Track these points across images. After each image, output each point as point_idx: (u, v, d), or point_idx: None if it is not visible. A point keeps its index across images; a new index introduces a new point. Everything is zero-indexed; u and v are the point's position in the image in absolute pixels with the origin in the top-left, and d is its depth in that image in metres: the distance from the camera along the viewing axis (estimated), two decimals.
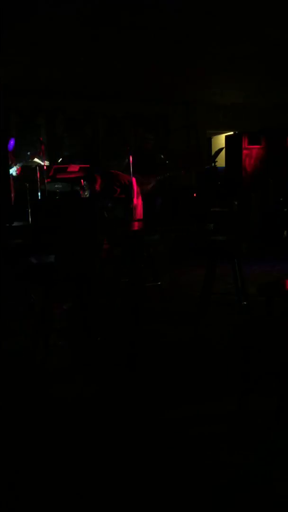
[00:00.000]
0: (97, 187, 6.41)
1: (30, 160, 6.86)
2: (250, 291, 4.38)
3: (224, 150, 9.26)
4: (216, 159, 9.10)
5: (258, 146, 8.86)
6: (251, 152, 8.83)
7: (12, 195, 6.29)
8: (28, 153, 6.81)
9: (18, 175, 6.60)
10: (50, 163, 8.11)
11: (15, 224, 5.31)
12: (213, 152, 10.03)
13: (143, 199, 6.26)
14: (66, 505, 2.03)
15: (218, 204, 8.35)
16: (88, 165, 6.86)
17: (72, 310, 4.42)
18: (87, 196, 7.17)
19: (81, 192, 7.19)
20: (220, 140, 10.73)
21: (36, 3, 4.65)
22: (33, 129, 9.07)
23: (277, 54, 6.69)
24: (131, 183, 5.83)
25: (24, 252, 4.39)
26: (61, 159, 8.33)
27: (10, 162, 6.44)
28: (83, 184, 7.20)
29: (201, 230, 7.76)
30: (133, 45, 6.12)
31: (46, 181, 7.07)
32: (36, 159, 7.33)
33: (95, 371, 3.37)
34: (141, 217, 6.33)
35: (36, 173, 7.26)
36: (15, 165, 6.67)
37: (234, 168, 9.02)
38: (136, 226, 4.97)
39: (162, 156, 9.79)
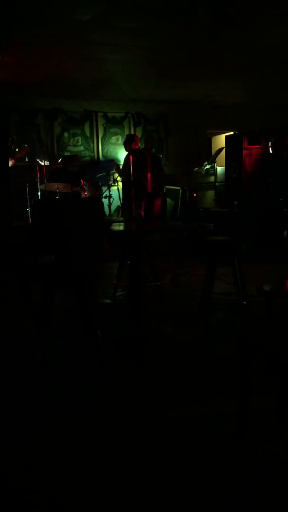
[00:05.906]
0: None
1: (17, 156, 6.77)
2: (250, 291, 4.39)
3: (224, 150, 9.26)
4: (216, 159, 9.10)
5: (258, 146, 8.86)
6: (251, 152, 8.84)
7: None
8: (17, 149, 6.75)
9: (12, 166, 6.55)
10: (50, 163, 8.12)
11: (15, 224, 5.30)
12: (213, 152, 10.03)
13: (146, 198, 6.29)
14: (66, 505, 2.03)
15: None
16: None
17: (72, 310, 4.41)
18: (87, 196, 7.17)
19: (80, 192, 7.20)
20: (220, 140, 10.72)
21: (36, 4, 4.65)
22: (32, 129, 9.08)
23: (277, 54, 6.69)
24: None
25: (24, 252, 4.38)
26: (61, 159, 8.34)
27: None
28: (83, 184, 7.20)
29: (201, 230, 7.76)
30: (133, 45, 6.12)
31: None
32: (27, 159, 7.28)
33: (95, 371, 3.37)
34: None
35: (36, 173, 7.26)
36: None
37: (234, 168, 9.02)
38: (136, 226, 4.97)
39: (161, 156, 9.83)
